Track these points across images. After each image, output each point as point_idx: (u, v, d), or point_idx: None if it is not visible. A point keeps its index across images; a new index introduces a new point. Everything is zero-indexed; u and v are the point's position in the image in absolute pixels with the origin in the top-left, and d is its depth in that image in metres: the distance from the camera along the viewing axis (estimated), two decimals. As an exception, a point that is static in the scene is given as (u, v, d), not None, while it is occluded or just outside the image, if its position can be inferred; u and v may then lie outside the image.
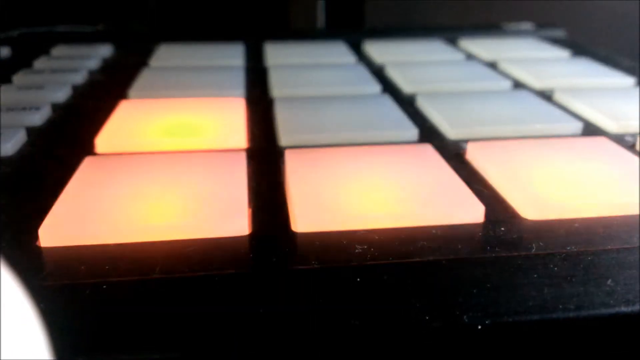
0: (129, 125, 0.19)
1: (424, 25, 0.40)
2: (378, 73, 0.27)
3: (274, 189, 0.15)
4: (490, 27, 0.37)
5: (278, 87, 0.24)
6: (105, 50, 0.31)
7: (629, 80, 0.25)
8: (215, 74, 0.25)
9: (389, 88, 0.24)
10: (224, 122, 0.19)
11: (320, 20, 0.42)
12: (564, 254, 0.12)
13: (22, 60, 0.28)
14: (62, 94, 0.23)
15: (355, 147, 0.17)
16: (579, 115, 0.21)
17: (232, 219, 0.13)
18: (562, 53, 0.31)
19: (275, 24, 0.42)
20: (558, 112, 0.21)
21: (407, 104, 0.22)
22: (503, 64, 0.28)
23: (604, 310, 0.11)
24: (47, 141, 0.19)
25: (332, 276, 0.11)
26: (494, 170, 0.16)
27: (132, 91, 0.23)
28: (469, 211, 0.13)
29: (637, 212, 0.14)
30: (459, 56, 0.30)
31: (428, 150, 0.17)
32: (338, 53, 0.30)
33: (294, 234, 0.13)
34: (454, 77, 0.25)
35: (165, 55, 0.30)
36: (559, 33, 0.37)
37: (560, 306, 0.10)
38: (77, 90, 0.24)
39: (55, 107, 0.22)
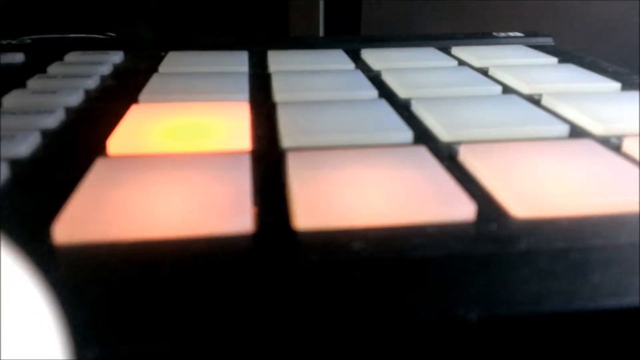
0: (139, 128, 0.20)
1: (418, 34, 0.41)
2: (375, 79, 0.27)
3: (277, 189, 0.15)
4: (481, 35, 0.38)
5: (280, 92, 0.24)
6: (116, 57, 0.31)
7: (615, 85, 0.26)
8: (221, 80, 0.26)
9: (385, 93, 0.25)
10: (229, 125, 0.20)
11: (320, 30, 0.43)
12: (552, 251, 0.12)
13: (36, 66, 0.29)
14: (75, 98, 0.24)
15: (353, 148, 0.18)
16: (566, 119, 0.21)
17: (237, 217, 0.13)
18: (550, 60, 0.31)
19: (278, 34, 0.43)
20: (546, 115, 0.21)
21: (403, 108, 0.23)
22: (493, 70, 0.29)
23: (592, 305, 0.11)
24: (61, 143, 0.19)
25: (331, 271, 0.12)
26: (486, 170, 0.16)
27: (143, 95, 0.23)
28: (461, 210, 0.14)
29: (623, 211, 0.14)
30: (451, 63, 0.31)
31: (422, 152, 0.17)
32: (337, 60, 0.31)
33: (295, 231, 0.13)
34: (447, 83, 0.26)
35: (174, 62, 0.30)
36: (547, 41, 0.37)
37: (550, 301, 0.11)
38: (90, 95, 0.25)
39: (69, 111, 0.22)
